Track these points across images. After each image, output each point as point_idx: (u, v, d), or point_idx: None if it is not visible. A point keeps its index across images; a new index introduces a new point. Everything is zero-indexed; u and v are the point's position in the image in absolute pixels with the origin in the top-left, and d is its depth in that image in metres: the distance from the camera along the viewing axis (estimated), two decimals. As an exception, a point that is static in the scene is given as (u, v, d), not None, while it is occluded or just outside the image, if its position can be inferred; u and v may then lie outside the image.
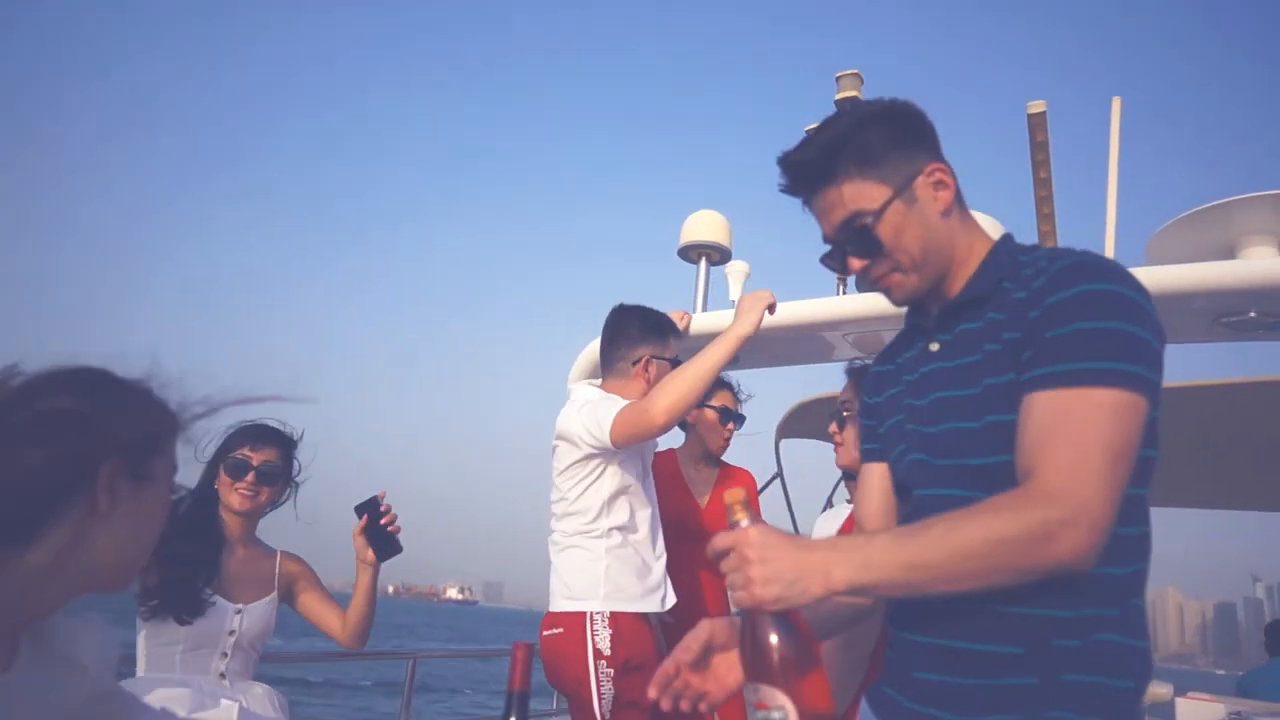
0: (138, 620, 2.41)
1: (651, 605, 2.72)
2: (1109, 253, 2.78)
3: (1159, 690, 6.21)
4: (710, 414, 3.42)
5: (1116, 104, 2.95)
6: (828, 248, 1.40)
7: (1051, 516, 1.06)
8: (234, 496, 2.54)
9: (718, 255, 3.48)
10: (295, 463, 2.66)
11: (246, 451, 2.55)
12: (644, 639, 2.69)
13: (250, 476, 2.54)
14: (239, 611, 2.48)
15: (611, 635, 2.61)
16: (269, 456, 2.58)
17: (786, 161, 1.35)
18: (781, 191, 1.38)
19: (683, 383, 2.56)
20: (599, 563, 2.70)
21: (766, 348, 3.42)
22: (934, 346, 1.35)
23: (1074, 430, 1.10)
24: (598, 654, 2.60)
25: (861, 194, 1.29)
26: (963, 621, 1.22)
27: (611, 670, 2.58)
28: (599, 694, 2.57)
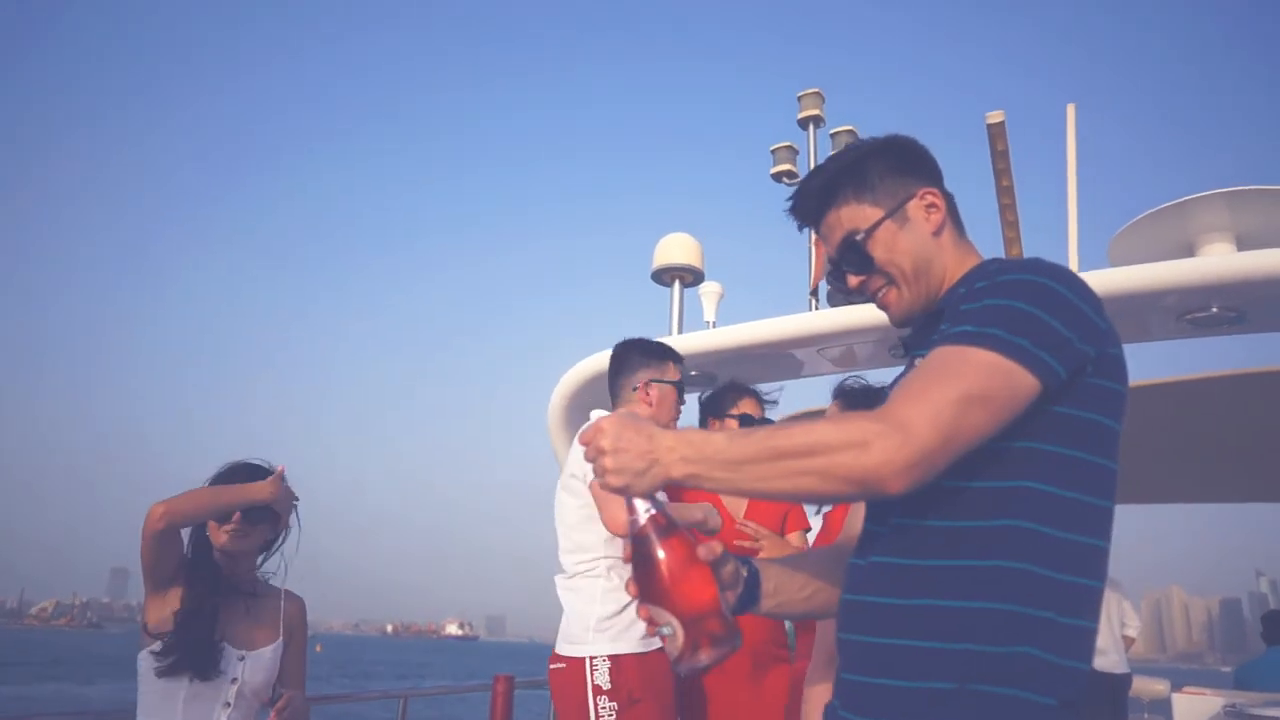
0: (139, 666, 2.35)
1: (647, 642, 2.68)
2: (1071, 255, 2.83)
3: (1157, 687, 6.21)
4: (731, 424, 3.27)
5: (1071, 110, 3.00)
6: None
7: (871, 427, 1.09)
8: (221, 536, 2.46)
9: (690, 277, 3.53)
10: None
11: None
12: (647, 672, 2.66)
13: (236, 516, 2.45)
14: (242, 658, 2.41)
15: (611, 669, 2.61)
16: None
17: (795, 193, 1.50)
18: (793, 218, 1.51)
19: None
20: (595, 606, 2.70)
21: (740, 366, 3.45)
22: (918, 362, 1.39)
23: (933, 372, 1.16)
24: (597, 690, 2.59)
25: (857, 215, 1.42)
26: (880, 614, 1.24)
27: (614, 705, 2.57)
28: None
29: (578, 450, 2.79)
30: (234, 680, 2.38)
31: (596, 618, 2.68)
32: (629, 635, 2.66)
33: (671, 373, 2.97)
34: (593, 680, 2.60)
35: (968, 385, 1.11)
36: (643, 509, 1.19)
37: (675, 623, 1.15)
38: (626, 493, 1.17)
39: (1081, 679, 1.18)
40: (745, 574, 1.39)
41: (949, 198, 1.45)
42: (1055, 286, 1.20)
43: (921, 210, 1.42)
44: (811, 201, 1.47)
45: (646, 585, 1.17)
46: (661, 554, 1.16)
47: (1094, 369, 1.20)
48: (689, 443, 1.15)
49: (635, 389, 2.93)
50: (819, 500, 1.25)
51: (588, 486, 2.65)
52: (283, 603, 2.60)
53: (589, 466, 2.64)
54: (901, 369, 1.50)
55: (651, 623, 1.18)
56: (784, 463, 1.11)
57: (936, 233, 1.42)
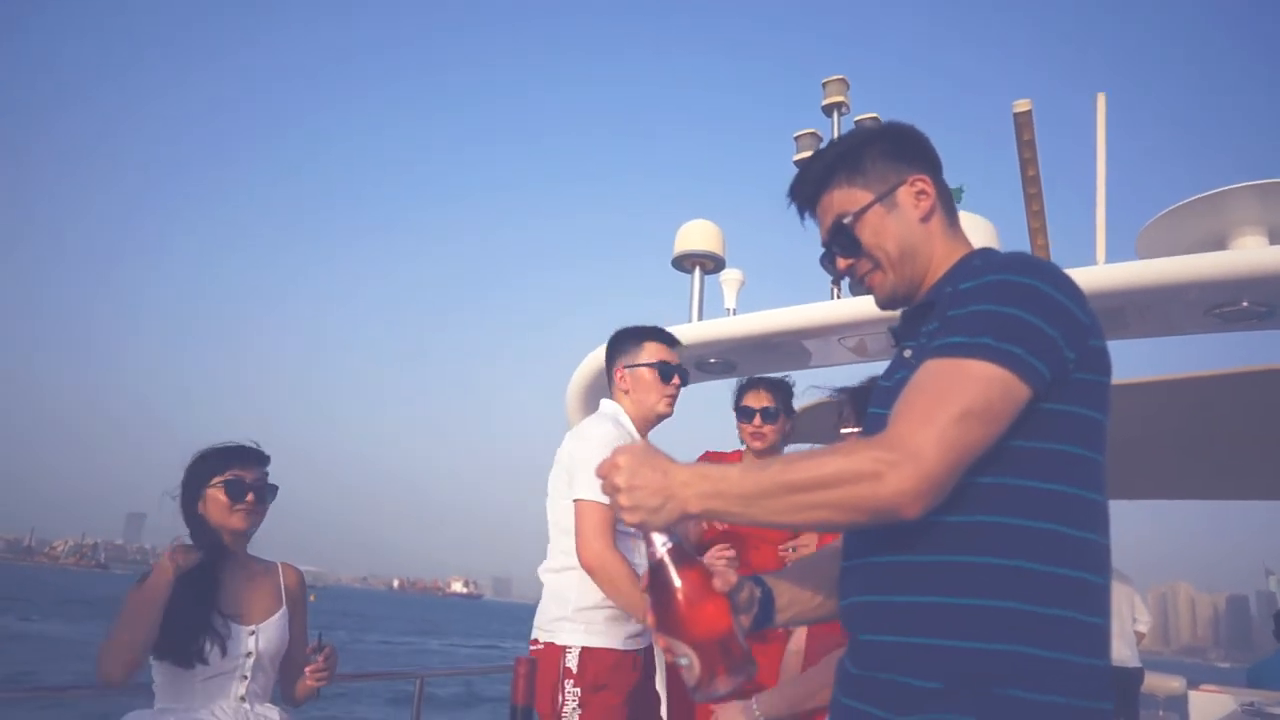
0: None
1: (623, 640, 2.72)
2: (1099, 248, 2.79)
3: (1172, 684, 6.20)
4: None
5: (1101, 100, 2.95)
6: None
7: (882, 457, 1.12)
8: (235, 518, 2.51)
9: (711, 264, 3.50)
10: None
11: (238, 471, 2.53)
12: (616, 666, 2.70)
13: (251, 496, 2.53)
14: (253, 632, 2.46)
15: (581, 658, 2.65)
16: (259, 474, 2.58)
17: (795, 178, 1.54)
18: (790, 202, 1.54)
19: (608, 581, 2.61)
20: (574, 595, 2.72)
21: (760, 354, 3.43)
22: (906, 353, 1.41)
23: (932, 389, 1.18)
24: (567, 673, 2.64)
25: (848, 198, 1.45)
26: (879, 613, 1.25)
27: (579, 690, 2.62)
28: (562, 713, 2.62)
29: (576, 456, 2.75)
30: (249, 654, 2.43)
31: (574, 607, 2.71)
32: (604, 630, 2.70)
33: (647, 354, 2.90)
34: (564, 664, 2.66)
35: (968, 401, 1.14)
36: (660, 542, 1.21)
37: (692, 653, 1.17)
38: (643, 528, 1.20)
39: (1095, 676, 1.18)
40: (759, 594, 1.42)
41: (941, 186, 1.47)
42: (1040, 286, 1.21)
43: (911, 196, 1.44)
44: (809, 186, 1.50)
45: (664, 616, 1.20)
46: (678, 584, 1.19)
47: (1078, 364, 1.21)
48: (704, 477, 1.17)
49: (612, 381, 2.95)
50: (836, 530, 1.29)
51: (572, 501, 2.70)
52: (281, 574, 2.67)
53: (572, 476, 2.69)
54: (892, 360, 1.49)
55: (669, 652, 1.20)
56: (799, 496, 1.14)
57: (925, 219, 1.44)
